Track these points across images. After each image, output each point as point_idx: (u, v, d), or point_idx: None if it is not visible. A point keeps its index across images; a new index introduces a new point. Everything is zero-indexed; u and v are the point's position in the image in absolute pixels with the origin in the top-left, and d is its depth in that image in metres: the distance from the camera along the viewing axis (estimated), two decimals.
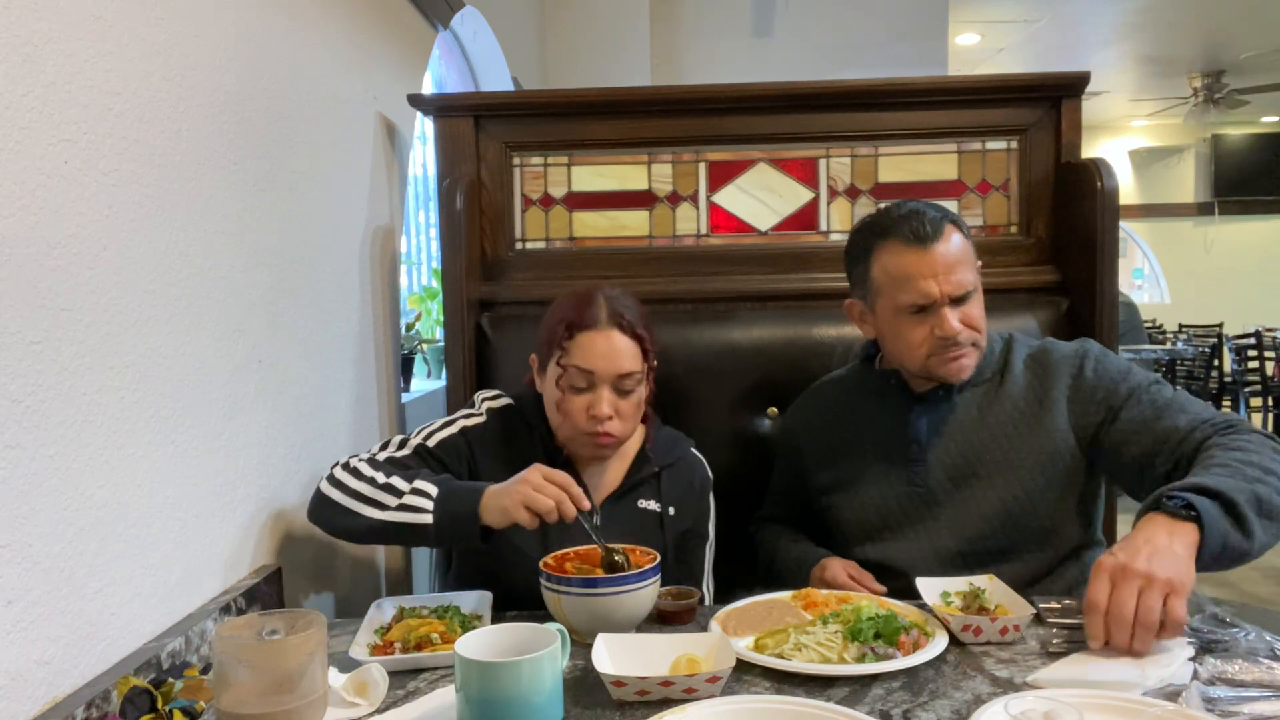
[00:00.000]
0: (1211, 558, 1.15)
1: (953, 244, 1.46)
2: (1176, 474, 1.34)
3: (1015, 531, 1.49)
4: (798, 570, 1.55)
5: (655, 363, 1.51)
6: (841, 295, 1.64)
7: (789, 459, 1.72)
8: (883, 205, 1.65)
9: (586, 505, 1.30)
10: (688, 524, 1.57)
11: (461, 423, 1.54)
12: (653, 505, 1.53)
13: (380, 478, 1.38)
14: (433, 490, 1.35)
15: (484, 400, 1.58)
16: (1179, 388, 1.53)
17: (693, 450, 1.63)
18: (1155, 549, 1.12)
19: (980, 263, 1.55)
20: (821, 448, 1.65)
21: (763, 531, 1.72)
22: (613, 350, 1.43)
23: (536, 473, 1.31)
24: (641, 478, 1.54)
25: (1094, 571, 1.14)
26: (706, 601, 1.58)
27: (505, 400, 1.59)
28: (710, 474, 1.64)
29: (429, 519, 1.33)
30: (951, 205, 2.06)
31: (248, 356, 1.43)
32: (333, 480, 1.41)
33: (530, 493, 1.28)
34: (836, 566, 1.49)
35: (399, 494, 1.35)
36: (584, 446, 1.48)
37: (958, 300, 1.46)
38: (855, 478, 1.58)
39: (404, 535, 1.36)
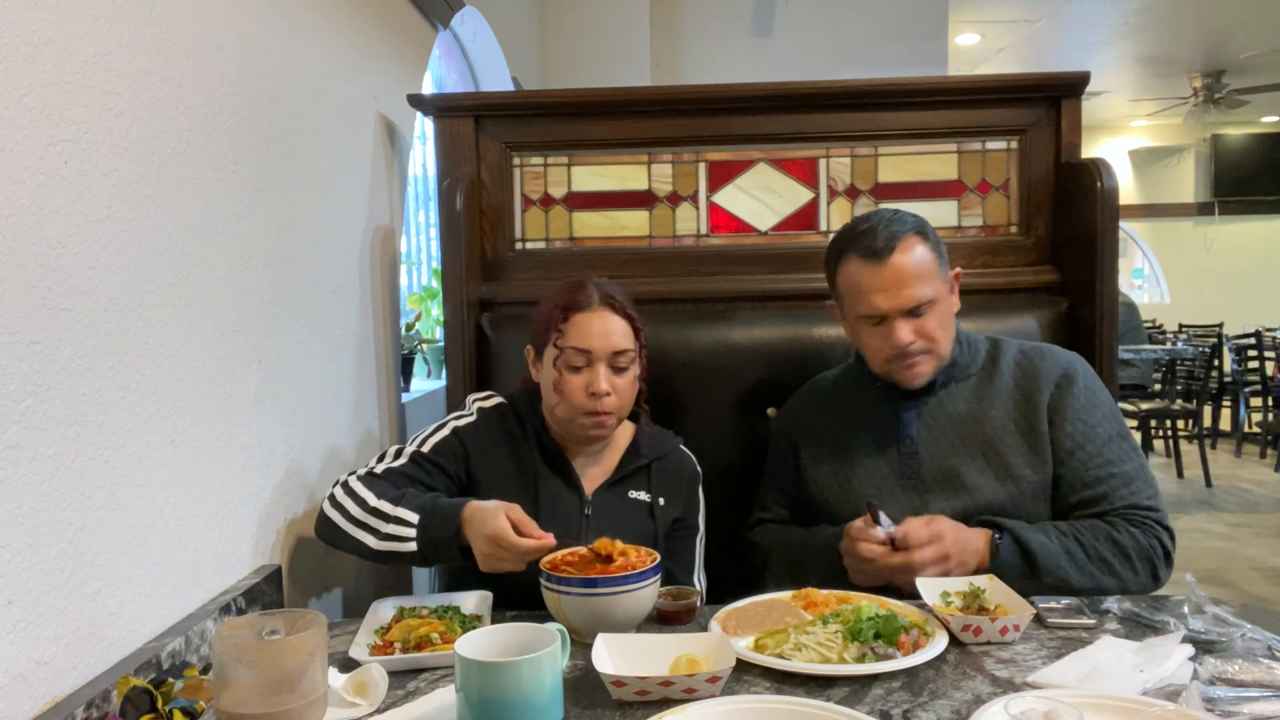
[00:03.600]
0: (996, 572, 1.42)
1: (910, 257, 1.52)
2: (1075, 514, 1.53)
3: (1011, 512, 1.51)
4: (827, 549, 1.53)
5: (645, 343, 1.57)
6: None
7: (783, 456, 1.73)
8: (872, 209, 1.71)
9: (550, 540, 1.29)
10: (677, 513, 1.61)
11: (453, 424, 1.57)
12: (643, 495, 1.57)
13: (370, 499, 1.41)
14: (413, 518, 1.37)
15: (475, 401, 1.62)
16: (1136, 448, 1.60)
17: (681, 446, 1.67)
18: (964, 550, 1.44)
19: (958, 270, 1.61)
20: (816, 444, 1.67)
21: (769, 531, 1.71)
22: (607, 329, 1.50)
23: (488, 544, 1.30)
24: (632, 469, 1.58)
25: (930, 524, 1.42)
26: (699, 591, 1.59)
27: (497, 399, 1.62)
28: (699, 469, 1.67)
29: (413, 546, 1.36)
30: (951, 205, 2.06)
31: (248, 356, 1.43)
32: (332, 501, 1.44)
33: (500, 566, 1.31)
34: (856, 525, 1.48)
35: (386, 520, 1.38)
36: (581, 427, 1.51)
37: (912, 312, 1.52)
38: (849, 473, 1.61)
39: (398, 560, 1.39)
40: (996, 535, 1.45)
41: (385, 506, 1.39)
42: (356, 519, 1.40)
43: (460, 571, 1.60)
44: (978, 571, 1.43)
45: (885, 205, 2.04)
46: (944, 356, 1.57)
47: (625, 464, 1.58)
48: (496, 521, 1.29)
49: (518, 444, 1.56)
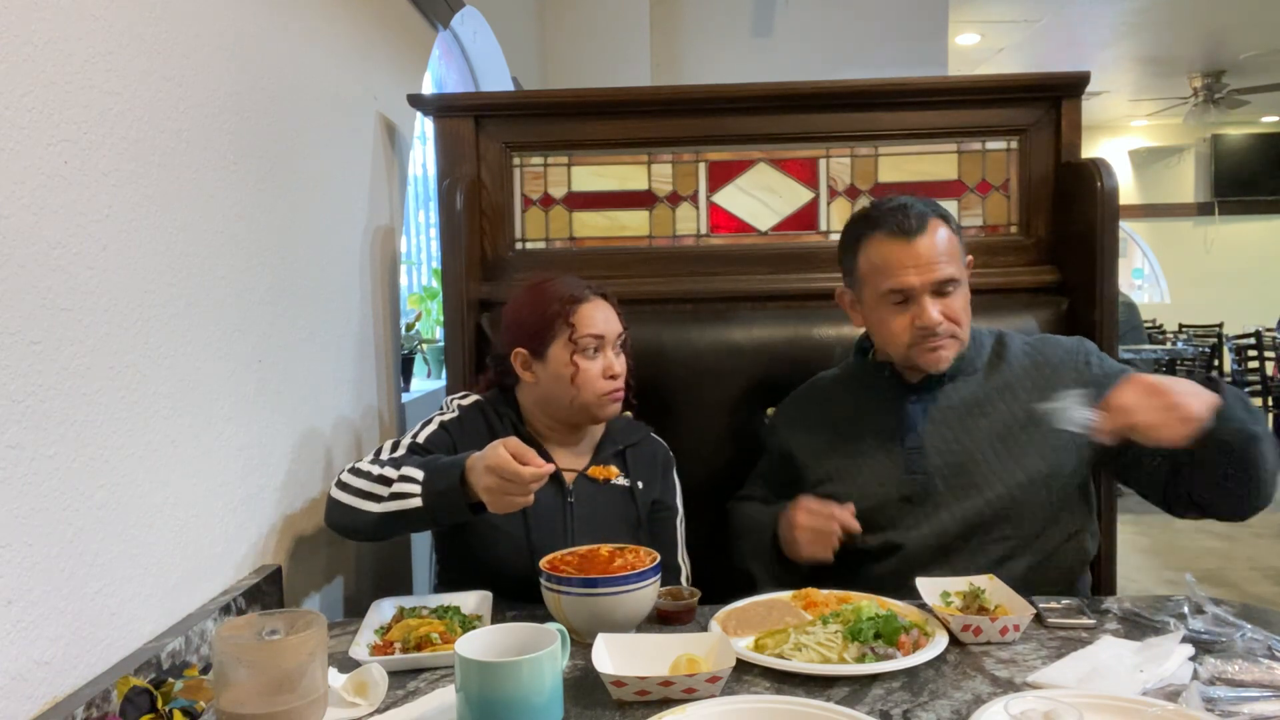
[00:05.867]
0: (1227, 420, 1.31)
1: (937, 238, 1.51)
2: (1180, 470, 1.43)
3: (1018, 518, 1.51)
4: (764, 526, 1.58)
5: (627, 325, 1.63)
6: None
7: (778, 452, 1.72)
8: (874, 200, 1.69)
9: (550, 467, 1.32)
10: (655, 495, 1.65)
11: (439, 419, 1.61)
12: (621, 481, 1.61)
13: (375, 470, 1.43)
14: (418, 474, 1.39)
15: (454, 400, 1.67)
16: None
17: (652, 434, 1.72)
18: (1185, 386, 1.29)
19: (970, 258, 1.59)
20: (817, 441, 1.65)
21: (739, 507, 1.72)
22: (608, 316, 1.59)
23: (491, 477, 1.30)
24: (607, 456, 1.62)
25: (1131, 378, 1.30)
26: (684, 574, 1.65)
27: (473, 397, 1.67)
28: (671, 454, 1.72)
29: (419, 502, 1.37)
30: (951, 205, 2.05)
31: (248, 356, 1.43)
32: (339, 484, 1.45)
33: (508, 501, 1.31)
34: (797, 513, 1.50)
35: (389, 483, 1.40)
36: (600, 409, 1.57)
37: (939, 293, 1.51)
38: (853, 469, 1.60)
39: (404, 522, 1.40)
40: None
41: (389, 473, 1.41)
42: (362, 490, 1.42)
43: (455, 569, 1.60)
44: (1210, 414, 1.29)
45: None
46: (965, 343, 1.55)
47: (600, 452, 1.63)
48: (495, 453, 1.30)
49: (498, 437, 1.57)
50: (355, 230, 1.92)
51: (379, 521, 1.39)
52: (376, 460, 1.48)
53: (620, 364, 1.58)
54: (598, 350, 1.55)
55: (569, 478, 1.59)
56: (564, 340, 1.54)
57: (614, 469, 1.56)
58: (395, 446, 1.55)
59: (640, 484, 1.62)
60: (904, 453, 1.56)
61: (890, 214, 1.53)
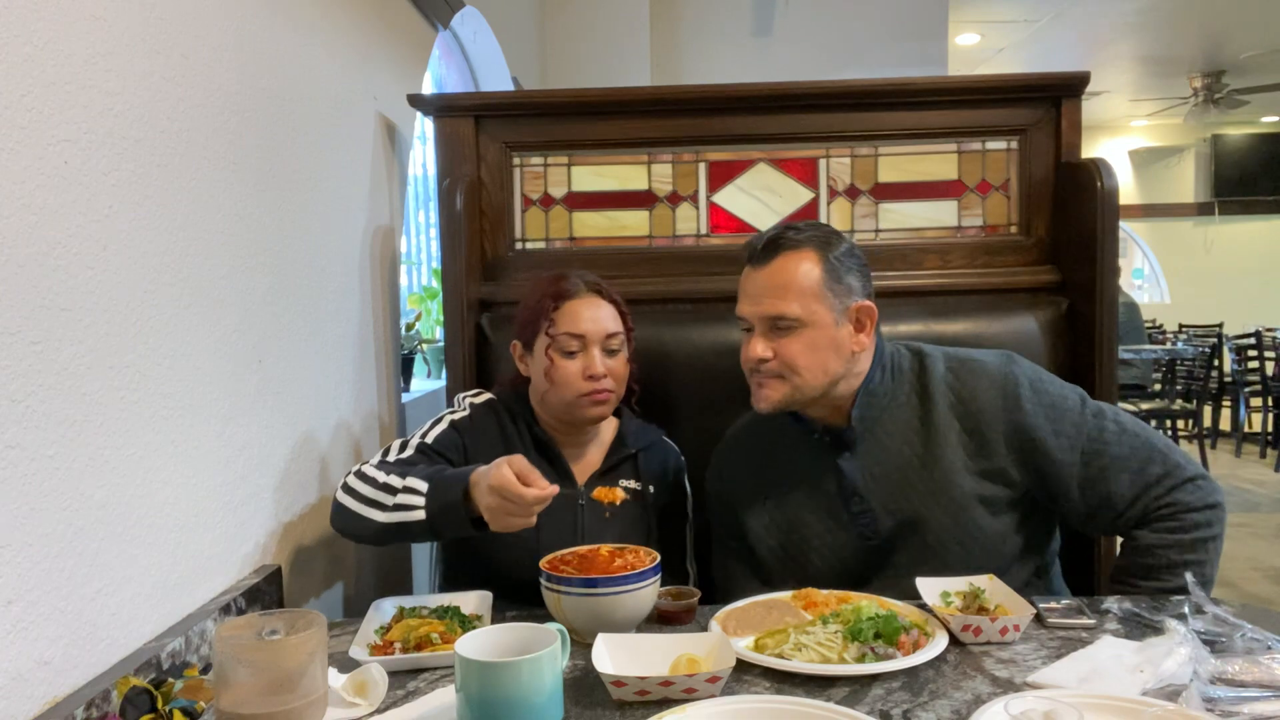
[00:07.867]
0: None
1: (788, 270, 1.42)
2: (1117, 532, 1.50)
3: (976, 566, 1.43)
4: None
5: (633, 326, 1.61)
6: None
7: (725, 521, 1.60)
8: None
9: (554, 490, 1.28)
10: (666, 500, 1.65)
11: (449, 418, 1.61)
12: (633, 484, 1.61)
13: (380, 477, 1.42)
14: (422, 486, 1.38)
15: (466, 398, 1.66)
16: (1116, 411, 1.51)
17: (664, 438, 1.71)
18: None
19: (866, 303, 1.46)
20: (758, 510, 1.56)
21: None
22: (597, 315, 1.56)
23: (494, 496, 1.28)
24: (620, 459, 1.62)
25: None
26: (691, 580, 1.64)
27: (486, 395, 1.67)
28: (683, 459, 1.71)
29: (422, 515, 1.36)
30: (951, 205, 2.06)
31: (248, 356, 1.43)
32: (345, 488, 1.44)
33: (509, 521, 1.29)
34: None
35: (394, 492, 1.39)
36: (579, 410, 1.55)
37: (773, 329, 1.43)
38: (804, 540, 1.52)
39: (406, 533, 1.39)
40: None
41: (394, 480, 1.40)
42: (367, 497, 1.41)
43: (460, 571, 1.60)
44: None
45: (886, 205, 2.05)
46: (803, 388, 1.43)
47: (613, 454, 1.62)
48: (499, 472, 1.27)
49: (510, 438, 1.59)
50: (355, 230, 1.92)
51: (382, 531, 1.39)
52: (384, 463, 1.47)
53: (607, 365, 1.54)
54: (577, 350, 1.53)
55: (580, 480, 1.58)
56: (545, 335, 1.55)
57: (619, 491, 1.49)
58: (404, 446, 1.54)
59: (651, 488, 1.61)
60: (852, 518, 1.48)
61: (757, 238, 1.49)
